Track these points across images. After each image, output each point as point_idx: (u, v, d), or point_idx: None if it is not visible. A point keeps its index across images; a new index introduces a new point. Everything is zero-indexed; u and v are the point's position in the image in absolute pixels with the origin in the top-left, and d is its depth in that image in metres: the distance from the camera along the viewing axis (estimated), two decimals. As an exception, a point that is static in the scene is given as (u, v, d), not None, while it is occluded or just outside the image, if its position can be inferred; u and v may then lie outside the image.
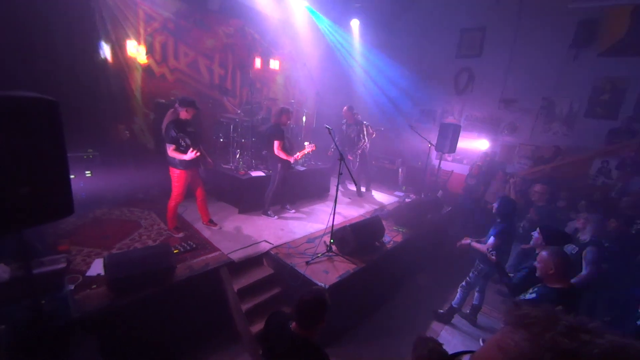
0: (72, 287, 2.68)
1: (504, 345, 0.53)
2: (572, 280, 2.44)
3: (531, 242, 3.03)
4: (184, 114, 3.61)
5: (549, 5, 6.12)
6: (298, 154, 4.57)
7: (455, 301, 3.90)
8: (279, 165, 4.57)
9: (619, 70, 5.58)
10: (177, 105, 3.65)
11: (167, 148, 3.54)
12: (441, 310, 3.99)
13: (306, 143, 4.49)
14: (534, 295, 2.26)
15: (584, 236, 3.29)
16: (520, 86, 6.69)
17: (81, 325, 2.38)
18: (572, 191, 5.19)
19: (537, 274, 2.25)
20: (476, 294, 3.91)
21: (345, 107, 6.01)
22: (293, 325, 1.71)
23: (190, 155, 3.49)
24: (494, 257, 3.01)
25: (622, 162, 5.42)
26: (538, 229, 3.01)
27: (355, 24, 7.74)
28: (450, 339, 3.67)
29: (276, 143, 4.41)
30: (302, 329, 1.68)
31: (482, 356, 0.56)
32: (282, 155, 4.45)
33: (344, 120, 6.11)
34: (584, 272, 3.03)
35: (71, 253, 3.20)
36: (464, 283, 3.86)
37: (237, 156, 5.27)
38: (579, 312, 2.76)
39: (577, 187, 5.46)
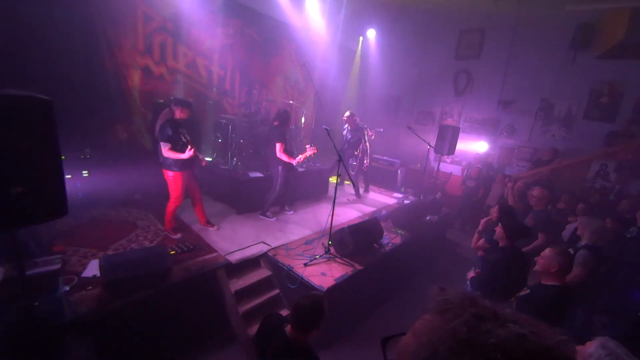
0: (67, 288, 2.65)
1: (417, 332, 0.50)
2: None
3: (494, 236, 3.03)
4: (178, 113, 3.57)
5: (547, 7, 6.15)
6: (300, 156, 4.48)
7: None
8: (280, 167, 4.52)
9: (617, 73, 5.59)
10: (172, 105, 3.62)
11: (162, 148, 3.47)
12: None
13: (307, 146, 4.42)
14: (527, 291, 2.32)
15: (583, 241, 3.29)
16: (519, 88, 6.71)
17: (76, 327, 2.35)
18: (571, 194, 5.18)
19: (535, 268, 2.30)
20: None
21: (347, 113, 5.88)
22: (288, 327, 1.70)
23: (189, 153, 3.45)
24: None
25: (620, 165, 5.43)
26: (500, 223, 3.00)
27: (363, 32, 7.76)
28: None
29: (278, 145, 4.35)
30: (298, 332, 1.67)
31: (402, 341, 0.53)
32: (284, 158, 4.39)
33: (346, 126, 5.99)
34: (572, 273, 3.04)
35: (67, 254, 3.17)
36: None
37: (235, 157, 5.25)
38: (575, 314, 2.76)
39: (576, 189, 5.46)
